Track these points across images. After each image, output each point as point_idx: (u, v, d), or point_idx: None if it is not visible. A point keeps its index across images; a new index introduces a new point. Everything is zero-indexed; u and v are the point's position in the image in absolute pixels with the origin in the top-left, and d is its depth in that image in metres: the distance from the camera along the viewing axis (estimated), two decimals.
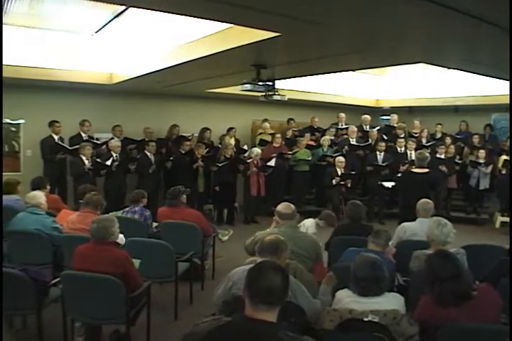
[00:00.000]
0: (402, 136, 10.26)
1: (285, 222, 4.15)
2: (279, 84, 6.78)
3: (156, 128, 9.77)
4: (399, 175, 8.37)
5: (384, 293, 3.05)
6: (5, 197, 5.84)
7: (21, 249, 4.94)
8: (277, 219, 4.20)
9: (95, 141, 8.81)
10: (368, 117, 11.02)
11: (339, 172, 9.26)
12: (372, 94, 12.06)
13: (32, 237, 4.90)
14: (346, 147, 10.04)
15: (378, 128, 10.87)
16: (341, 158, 9.39)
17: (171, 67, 6.54)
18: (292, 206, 4.26)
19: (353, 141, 10.17)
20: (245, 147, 9.86)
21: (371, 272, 3.03)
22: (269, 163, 9.39)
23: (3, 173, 7.45)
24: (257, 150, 9.46)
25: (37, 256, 4.89)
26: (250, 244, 4.12)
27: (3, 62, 6.27)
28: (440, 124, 10.92)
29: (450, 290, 2.84)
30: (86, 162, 7.97)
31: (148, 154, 8.83)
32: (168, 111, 10.31)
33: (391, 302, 3.01)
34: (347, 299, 3.06)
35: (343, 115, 11.13)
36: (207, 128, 9.98)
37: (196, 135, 10.00)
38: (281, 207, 4.23)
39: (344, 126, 10.89)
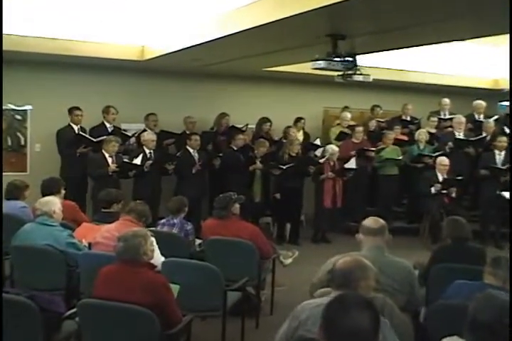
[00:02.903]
0: None
1: (370, 240, 4.15)
2: (360, 60, 6.77)
3: (201, 117, 9.96)
4: None
5: None
6: (8, 204, 6.08)
7: (28, 270, 5.02)
8: (361, 237, 4.19)
9: (125, 132, 9.12)
10: (482, 103, 10.78)
11: (440, 178, 9.12)
12: (487, 72, 11.79)
13: (42, 255, 4.96)
14: (451, 143, 9.86)
15: (496, 118, 10.64)
16: (444, 159, 9.25)
17: (218, 39, 6.62)
18: (382, 221, 4.25)
19: (461, 136, 9.98)
20: (317, 142, 9.91)
21: (500, 318, 2.93)
22: (348, 165, 9.40)
23: (5, 173, 7.76)
24: (333, 147, 9.45)
25: (48, 280, 4.93)
26: (319, 281, 4.06)
27: (5, 32, 6.56)
28: None
29: None
30: (109, 160, 8.23)
31: (191, 151, 8.99)
32: (216, 96, 10.48)
33: None
34: None
35: (446, 101, 10.96)
36: (266, 119, 10.11)
37: (252, 127, 10.14)
38: (368, 220, 4.25)
39: (448, 116, 10.72)
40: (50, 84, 9.16)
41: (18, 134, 9.20)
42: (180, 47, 7.52)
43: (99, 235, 5.15)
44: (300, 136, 10.21)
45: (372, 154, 9.80)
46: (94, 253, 4.91)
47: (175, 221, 6.03)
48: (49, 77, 9.13)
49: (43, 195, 5.80)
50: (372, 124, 10.65)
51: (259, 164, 9.13)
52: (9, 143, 9.10)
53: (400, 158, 9.87)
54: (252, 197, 9.13)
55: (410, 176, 9.92)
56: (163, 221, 6.14)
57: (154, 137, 8.72)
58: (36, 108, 9.14)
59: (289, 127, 10.08)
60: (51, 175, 7.39)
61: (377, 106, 10.98)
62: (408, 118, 10.95)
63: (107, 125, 9.03)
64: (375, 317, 2.24)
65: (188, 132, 9.44)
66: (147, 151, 8.56)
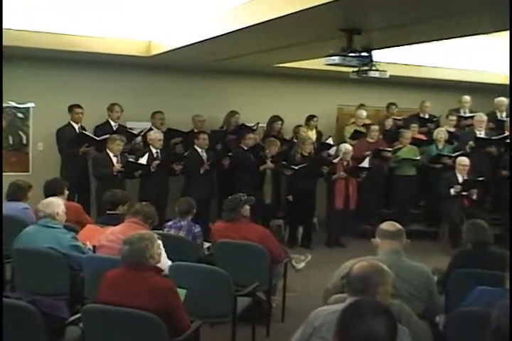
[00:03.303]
0: None
1: (386, 243, 4.13)
2: (376, 55, 6.76)
3: (210, 116, 9.97)
4: None
5: None
6: (10, 206, 6.08)
7: (30, 274, 5.05)
8: (377, 241, 4.19)
9: (131, 131, 9.13)
10: (504, 101, 10.67)
11: (460, 179, 9.08)
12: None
13: (44, 258, 4.97)
14: (471, 143, 9.81)
15: None
16: (464, 159, 9.20)
17: (228, 33, 6.62)
18: (398, 225, 4.23)
19: (482, 134, 9.93)
20: (330, 141, 9.90)
21: None
22: (361, 164, 9.35)
23: (6, 174, 7.79)
24: (347, 146, 9.42)
25: (50, 284, 4.96)
26: (333, 287, 4.05)
27: (5, 26, 6.58)
28: None
29: None
30: (114, 160, 8.25)
31: (199, 150, 9.00)
32: (225, 93, 10.51)
33: None
34: None
35: (467, 98, 10.93)
36: (278, 118, 10.11)
37: (262, 125, 10.15)
38: (385, 223, 4.24)
39: (469, 114, 10.69)
40: (53, 81, 9.18)
41: (20, 133, 9.23)
42: (189, 42, 7.52)
43: (103, 238, 5.13)
44: (313, 135, 10.20)
45: (389, 154, 9.81)
46: (99, 257, 4.89)
47: (182, 223, 6.04)
48: (52, 74, 9.16)
49: (46, 196, 5.81)
50: (389, 123, 10.64)
51: (270, 164, 9.13)
52: (10, 141, 9.11)
53: (418, 158, 9.84)
54: (263, 198, 9.12)
55: (428, 177, 9.90)
56: (169, 223, 6.14)
57: (161, 136, 8.72)
58: (39, 105, 9.16)
59: (299, 126, 10.11)
60: (54, 175, 7.55)
61: (394, 103, 10.96)
62: (426, 117, 10.92)
63: (112, 123, 9.06)
64: (392, 324, 2.24)
65: (196, 131, 9.45)
66: (154, 151, 8.58)
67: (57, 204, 5.26)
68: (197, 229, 6.04)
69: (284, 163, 9.23)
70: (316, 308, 3.19)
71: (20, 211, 6.09)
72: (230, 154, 9.32)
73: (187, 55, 8.36)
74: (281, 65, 9.45)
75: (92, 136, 8.63)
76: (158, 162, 8.42)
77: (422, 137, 10.36)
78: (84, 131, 8.72)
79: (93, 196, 8.54)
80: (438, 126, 10.62)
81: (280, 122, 10.10)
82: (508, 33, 6.41)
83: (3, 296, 3.86)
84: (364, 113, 10.61)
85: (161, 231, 5.78)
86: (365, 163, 9.32)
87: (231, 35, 6.62)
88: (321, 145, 9.97)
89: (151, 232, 4.22)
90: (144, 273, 3.81)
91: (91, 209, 8.23)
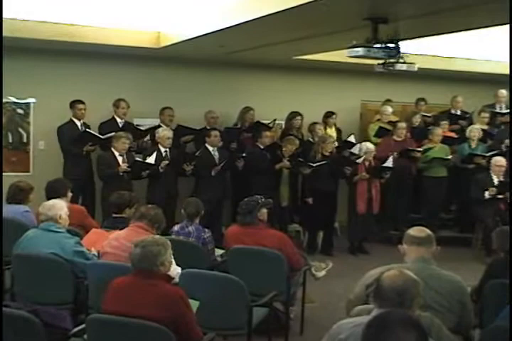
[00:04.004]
0: None
1: (414, 250, 4.11)
2: (403, 47, 6.71)
3: (223, 112, 9.98)
4: None
5: None
6: (10, 209, 6.13)
7: (31, 282, 5.06)
8: (404, 247, 4.19)
9: (138, 127, 9.11)
10: None
11: (496, 181, 9.06)
12: None
13: (46, 265, 4.98)
14: (507, 141, 9.81)
15: None
16: (500, 159, 9.19)
17: (243, 23, 6.61)
18: (427, 230, 4.22)
19: None
20: (352, 138, 9.86)
21: None
22: (384, 164, 9.29)
23: (5, 174, 7.83)
24: (368, 144, 9.40)
25: (53, 292, 4.98)
26: (357, 297, 4.05)
27: (4, 16, 6.62)
28: None
29: None
30: (119, 159, 8.27)
31: (211, 149, 9.00)
32: (240, 88, 10.50)
33: None
34: None
35: (503, 92, 10.84)
36: (297, 113, 10.05)
37: (280, 122, 10.11)
38: (413, 228, 4.23)
39: (505, 110, 10.63)
40: (56, 75, 9.19)
41: (20, 130, 9.23)
42: (201, 33, 7.51)
43: (106, 244, 5.12)
44: (331, 133, 10.16)
45: (418, 154, 9.76)
46: (104, 263, 4.89)
47: (190, 229, 6.00)
48: (54, 67, 9.16)
49: (48, 198, 5.81)
50: (417, 120, 10.50)
51: (286, 162, 9.06)
52: (10, 140, 9.12)
53: (449, 157, 9.80)
54: (279, 201, 9.06)
55: (460, 179, 9.85)
56: (176, 228, 6.11)
57: (170, 134, 8.70)
58: (40, 101, 9.15)
59: (315, 123, 10.05)
60: (57, 175, 7.58)
61: (423, 99, 10.88)
62: (458, 113, 10.85)
63: (118, 120, 9.06)
64: (423, 339, 2.24)
65: (208, 128, 9.44)
66: (162, 150, 8.57)
67: (60, 207, 5.25)
68: (207, 234, 5.99)
69: (300, 159, 9.17)
70: (337, 320, 3.19)
71: (21, 214, 6.11)
72: (244, 154, 9.25)
73: (198, 47, 8.38)
74: (300, 57, 9.42)
75: (97, 134, 8.63)
76: (167, 162, 8.40)
77: (453, 135, 10.28)
78: (88, 130, 8.65)
79: (98, 198, 8.56)
80: (471, 123, 10.55)
81: (299, 118, 10.03)
82: None
83: (3, 305, 3.87)
84: (390, 109, 10.54)
85: (171, 237, 5.80)
86: (389, 163, 9.27)
87: (246, 25, 6.61)
88: (343, 143, 9.92)
89: (164, 238, 4.23)
90: (153, 281, 3.79)
91: (95, 212, 8.31)
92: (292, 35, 7.45)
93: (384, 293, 3.09)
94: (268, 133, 9.36)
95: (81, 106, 8.81)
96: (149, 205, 5.48)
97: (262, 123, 9.72)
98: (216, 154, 8.96)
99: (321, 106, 10.48)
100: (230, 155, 9.18)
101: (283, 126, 10.38)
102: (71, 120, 8.82)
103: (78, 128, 8.79)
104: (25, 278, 5.13)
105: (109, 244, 5.10)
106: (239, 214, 5.96)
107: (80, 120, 8.85)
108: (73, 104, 8.81)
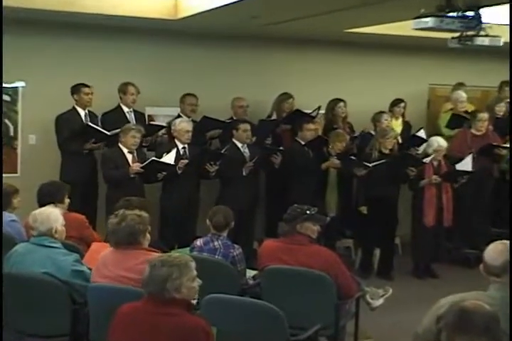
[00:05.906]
0: None
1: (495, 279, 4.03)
2: (486, 16, 6.51)
3: (255, 100, 9.78)
4: None
5: None
6: None
7: (21, 308, 5.08)
8: (483, 273, 4.07)
9: (154, 123, 9.03)
10: None
11: None
12: None
13: (39, 287, 5.00)
14: None
15: None
16: None
17: None
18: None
19: None
20: (421, 133, 9.53)
21: None
22: (460, 166, 9.03)
23: None
24: (439, 140, 9.03)
25: (47, 321, 5.04)
26: (426, 332, 3.89)
27: None
28: None
29: None
30: (129, 158, 8.14)
31: (240, 145, 8.86)
32: (276, 69, 10.26)
33: None
34: None
35: None
36: (339, 100, 9.78)
37: (323, 112, 9.75)
38: (491, 251, 4.08)
39: None
40: (50, 53, 8.99)
41: (6, 121, 9.04)
42: (228, 1, 7.30)
43: (95, 270, 5.01)
44: (397, 125, 9.85)
45: (504, 152, 9.42)
46: (109, 286, 4.77)
47: (216, 244, 5.96)
48: (49, 43, 8.98)
49: (41, 205, 5.84)
50: (501, 109, 10.23)
51: (335, 160, 8.90)
52: None
53: None
54: (326, 210, 8.88)
55: None
56: (198, 243, 6.06)
57: (189, 126, 8.45)
58: (31, 85, 8.97)
59: (382, 113, 9.66)
60: (51, 177, 7.48)
61: (509, 82, 10.57)
62: None
63: (125, 109, 8.87)
64: None
65: (235, 118, 9.26)
66: (180, 146, 8.41)
67: (55, 218, 5.27)
68: (237, 251, 5.95)
69: (352, 157, 8.97)
70: None
71: (7, 224, 6.11)
72: (281, 148, 9.03)
73: (224, 19, 8.21)
74: (352, 30, 9.15)
75: (103, 130, 8.40)
76: (186, 161, 8.23)
77: None
78: (91, 125, 8.43)
79: (102, 205, 8.41)
80: None
81: (342, 104, 9.77)
82: None
83: None
84: (464, 95, 10.19)
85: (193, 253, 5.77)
86: (466, 165, 9.00)
87: None
88: (411, 138, 9.59)
89: (185, 255, 4.19)
90: (167, 309, 3.77)
91: (97, 221, 8.13)
92: (343, 3, 7.18)
93: (472, 319, 3.17)
94: (311, 126, 9.04)
95: (87, 89, 8.56)
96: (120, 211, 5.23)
97: (303, 113, 9.41)
98: (246, 151, 8.77)
99: (377, 92, 10.34)
100: (263, 152, 8.97)
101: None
102: (74, 108, 8.63)
103: (82, 119, 8.61)
104: (14, 303, 5.08)
105: (98, 271, 4.98)
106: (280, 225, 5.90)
107: (84, 108, 8.65)
108: (77, 89, 8.56)
